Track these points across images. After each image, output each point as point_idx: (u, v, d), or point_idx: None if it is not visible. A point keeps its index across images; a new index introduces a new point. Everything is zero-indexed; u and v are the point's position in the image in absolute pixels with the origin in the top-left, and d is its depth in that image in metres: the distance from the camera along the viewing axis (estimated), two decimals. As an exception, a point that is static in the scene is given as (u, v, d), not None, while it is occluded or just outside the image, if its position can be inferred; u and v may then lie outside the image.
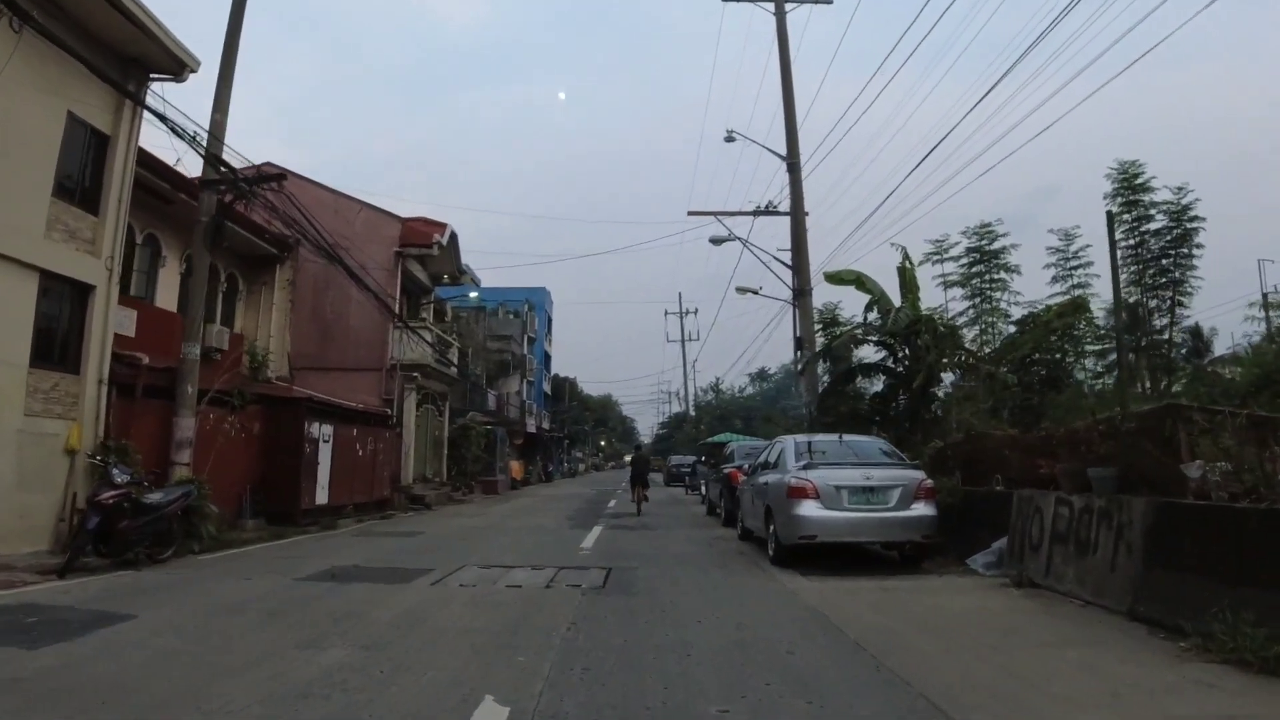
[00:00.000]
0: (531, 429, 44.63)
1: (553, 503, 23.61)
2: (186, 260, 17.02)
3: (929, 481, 8.88)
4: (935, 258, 14.05)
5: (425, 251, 22.08)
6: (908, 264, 16.01)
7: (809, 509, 8.42)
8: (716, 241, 21.20)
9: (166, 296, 15.42)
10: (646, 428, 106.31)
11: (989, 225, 13.63)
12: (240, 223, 16.99)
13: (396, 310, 21.38)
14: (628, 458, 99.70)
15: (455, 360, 25.09)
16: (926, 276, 13.85)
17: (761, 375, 59.99)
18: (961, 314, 14.36)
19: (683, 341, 58.01)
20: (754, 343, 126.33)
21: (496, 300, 49.34)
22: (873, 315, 16.54)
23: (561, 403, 66.91)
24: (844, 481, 8.56)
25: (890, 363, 15.52)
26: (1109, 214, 13.56)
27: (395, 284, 21.69)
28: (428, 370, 21.85)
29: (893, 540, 8.93)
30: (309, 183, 22.47)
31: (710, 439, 31.08)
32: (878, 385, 16.32)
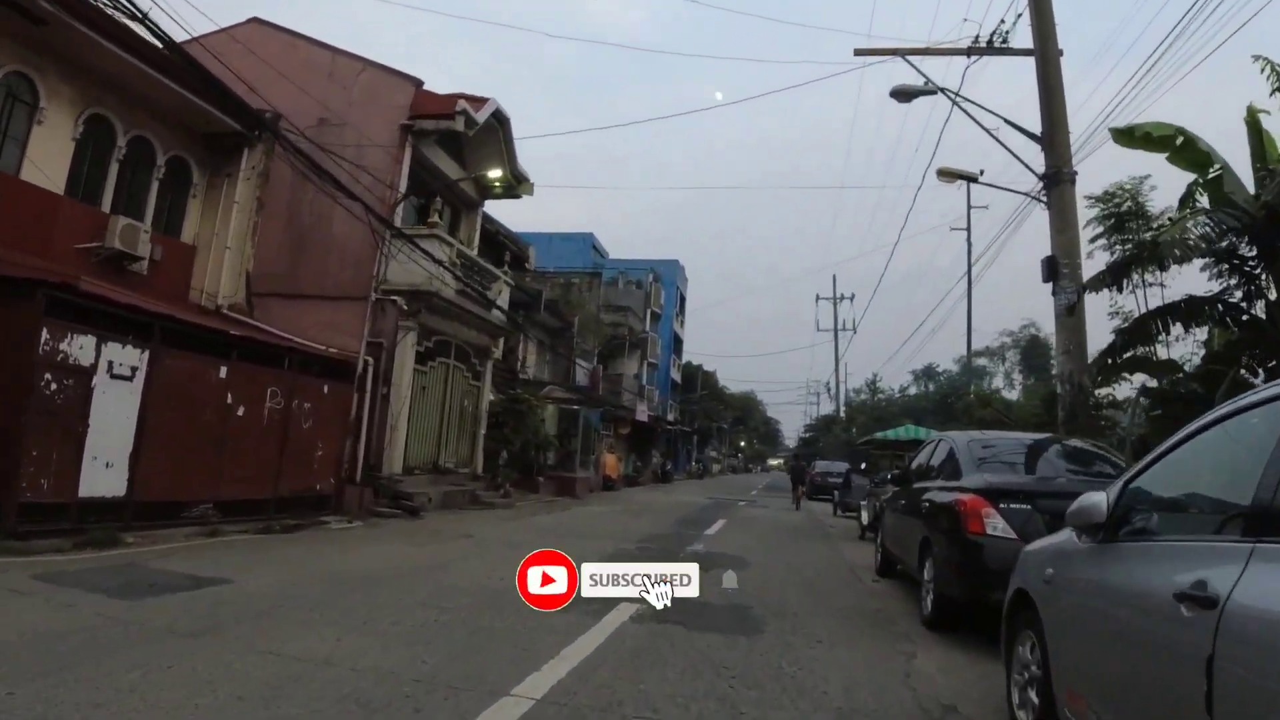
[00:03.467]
0: (642, 417, 36.63)
1: (625, 519, 15.39)
2: (85, 123, 10.74)
3: None
4: None
5: (447, 125, 14.56)
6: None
7: None
8: (903, 95, 12.32)
9: (54, 170, 9.87)
10: (792, 430, 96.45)
11: None
12: (183, 82, 10.63)
13: (396, 207, 14.09)
14: (772, 461, 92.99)
15: (500, 302, 17.45)
16: None
17: (928, 373, 48.18)
18: None
19: (835, 330, 48.41)
20: (932, 315, 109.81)
21: (617, 269, 42.00)
22: (1203, 203, 8.23)
23: (692, 393, 58.52)
24: None
25: (1240, 297, 7.69)
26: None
27: (400, 172, 14.42)
28: (435, 303, 14.32)
29: None
30: (300, 38, 15.74)
31: (877, 435, 21.50)
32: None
